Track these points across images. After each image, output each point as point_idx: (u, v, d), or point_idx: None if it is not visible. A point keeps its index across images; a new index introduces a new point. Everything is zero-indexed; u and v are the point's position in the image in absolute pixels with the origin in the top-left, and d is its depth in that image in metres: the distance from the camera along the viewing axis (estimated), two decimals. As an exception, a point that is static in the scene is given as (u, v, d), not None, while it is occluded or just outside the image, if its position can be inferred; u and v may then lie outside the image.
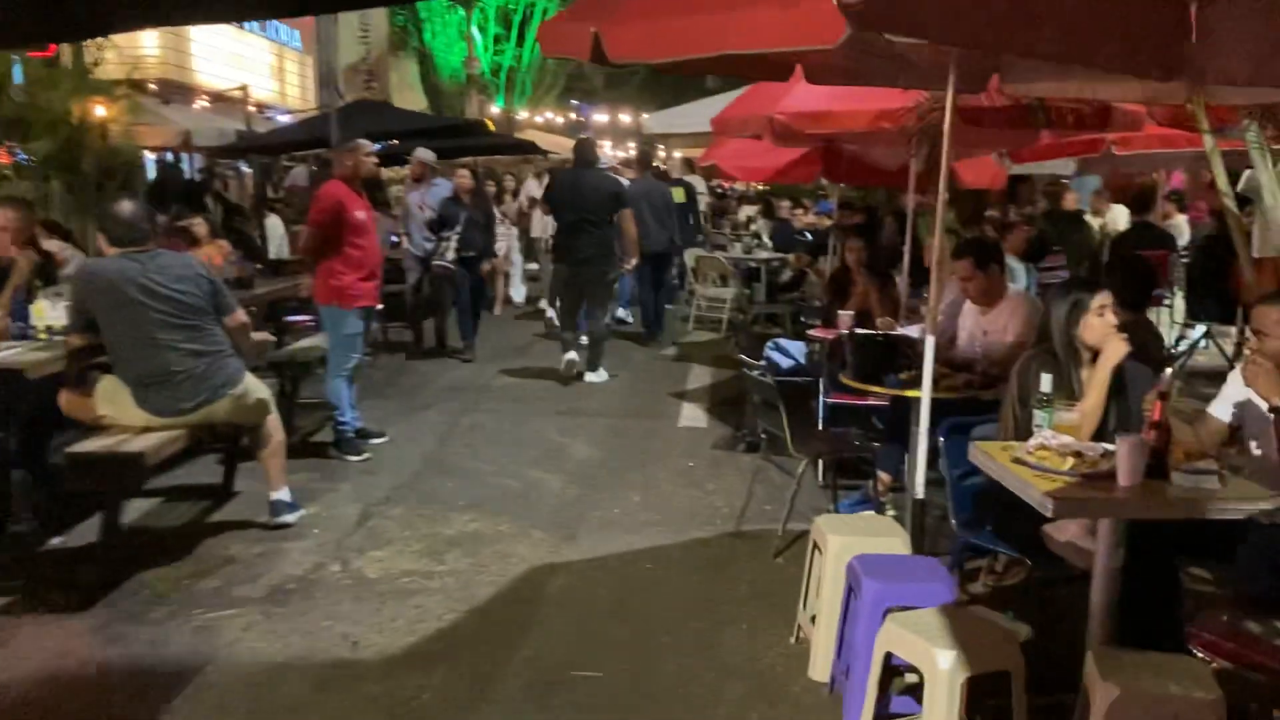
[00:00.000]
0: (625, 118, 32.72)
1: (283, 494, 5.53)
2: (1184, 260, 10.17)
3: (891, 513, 5.68)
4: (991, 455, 3.59)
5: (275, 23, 21.13)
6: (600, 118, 34.88)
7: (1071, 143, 9.29)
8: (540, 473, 6.58)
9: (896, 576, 3.50)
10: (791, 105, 7.17)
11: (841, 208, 10.23)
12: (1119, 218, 12.69)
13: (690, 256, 12.97)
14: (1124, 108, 7.14)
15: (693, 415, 8.16)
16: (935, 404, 5.02)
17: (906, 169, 9.29)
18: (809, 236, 13.02)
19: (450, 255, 9.86)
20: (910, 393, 5.00)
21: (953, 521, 4.18)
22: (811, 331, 7.07)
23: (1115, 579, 3.38)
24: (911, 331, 6.82)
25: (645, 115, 19.26)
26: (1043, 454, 3.44)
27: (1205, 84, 4.89)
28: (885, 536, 3.89)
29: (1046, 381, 3.70)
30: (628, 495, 6.11)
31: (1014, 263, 8.04)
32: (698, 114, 16.99)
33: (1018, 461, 3.47)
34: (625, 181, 10.59)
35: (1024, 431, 3.89)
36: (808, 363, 7.09)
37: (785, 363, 7.12)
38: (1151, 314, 10.24)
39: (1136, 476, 3.24)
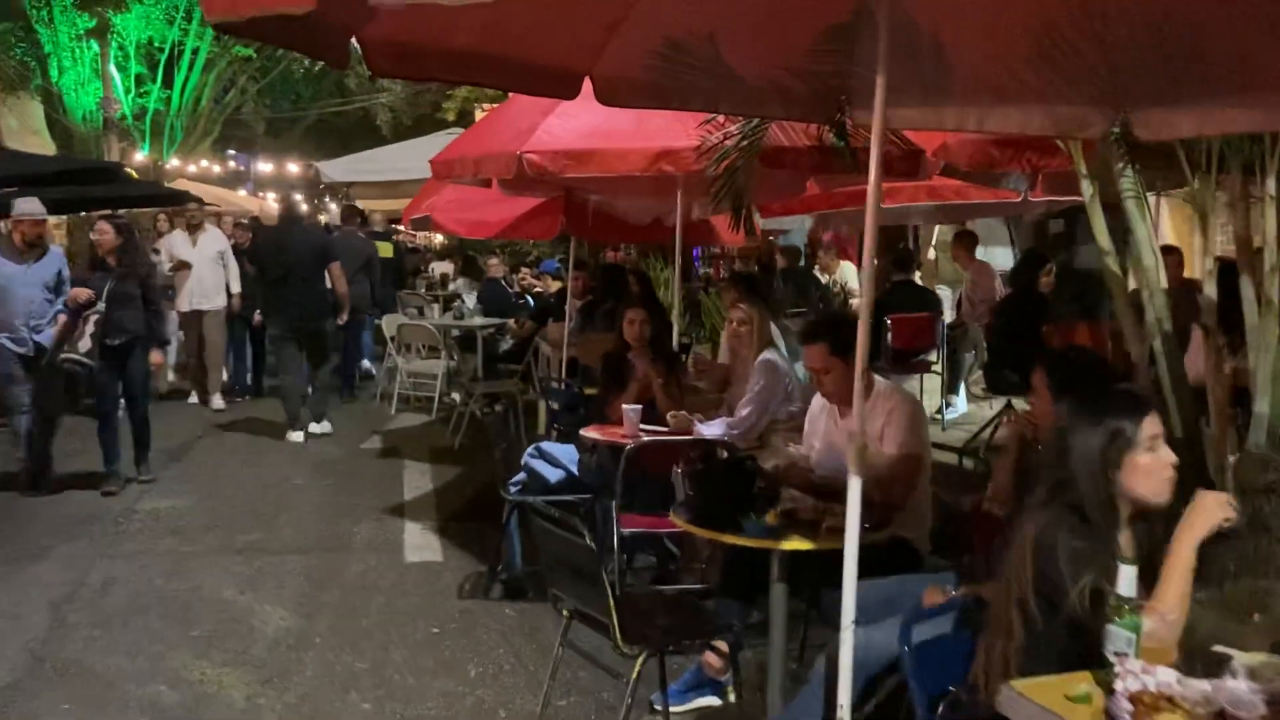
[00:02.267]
0: (293, 167, 29.90)
1: None
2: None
3: (732, 697, 4.12)
4: (1059, 715, 2.08)
5: None
6: (264, 167, 31.79)
7: (835, 194, 8.31)
8: (214, 668, 4.45)
9: None
10: (546, 142, 5.56)
11: (578, 268, 8.70)
12: (848, 274, 12.07)
13: (390, 324, 10.98)
14: (929, 155, 6.09)
15: (422, 541, 6.25)
16: (809, 557, 3.55)
17: (659, 223, 7.95)
18: (529, 300, 11.39)
19: (83, 349, 6.96)
20: (792, 544, 3.47)
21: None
22: (586, 432, 5.41)
23: None
24: (710, 430, 5.36)
25: (319, 164, 17.01)
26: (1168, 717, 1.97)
27: (1135, 112, 3.78)
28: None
29: (1127, 578, 2.22)
30: (353, 702, 4.14)
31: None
32: (383, 161, 15.12)
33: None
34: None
35: (1049, 647, 2.42)
36: (584, 473, 5.43)
37: (553, 475, 5.40)
38: (914, 381, 9.57)
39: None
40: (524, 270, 13.38)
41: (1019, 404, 7.49)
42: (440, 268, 18.58)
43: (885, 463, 3.88)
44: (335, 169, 14.96)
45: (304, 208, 13.85)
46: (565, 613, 3.70)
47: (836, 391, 4.02)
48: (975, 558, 3.75)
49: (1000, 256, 13.41)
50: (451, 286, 15.71)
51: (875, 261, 3.32)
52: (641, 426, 5.27)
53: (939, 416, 8.81)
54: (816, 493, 3.83)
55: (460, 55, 3.38)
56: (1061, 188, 7.68)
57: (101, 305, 7.03)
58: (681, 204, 6.64)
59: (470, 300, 12.60)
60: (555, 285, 11.48)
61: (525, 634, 4.81)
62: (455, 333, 10.98)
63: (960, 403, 8.92)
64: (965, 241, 9.44)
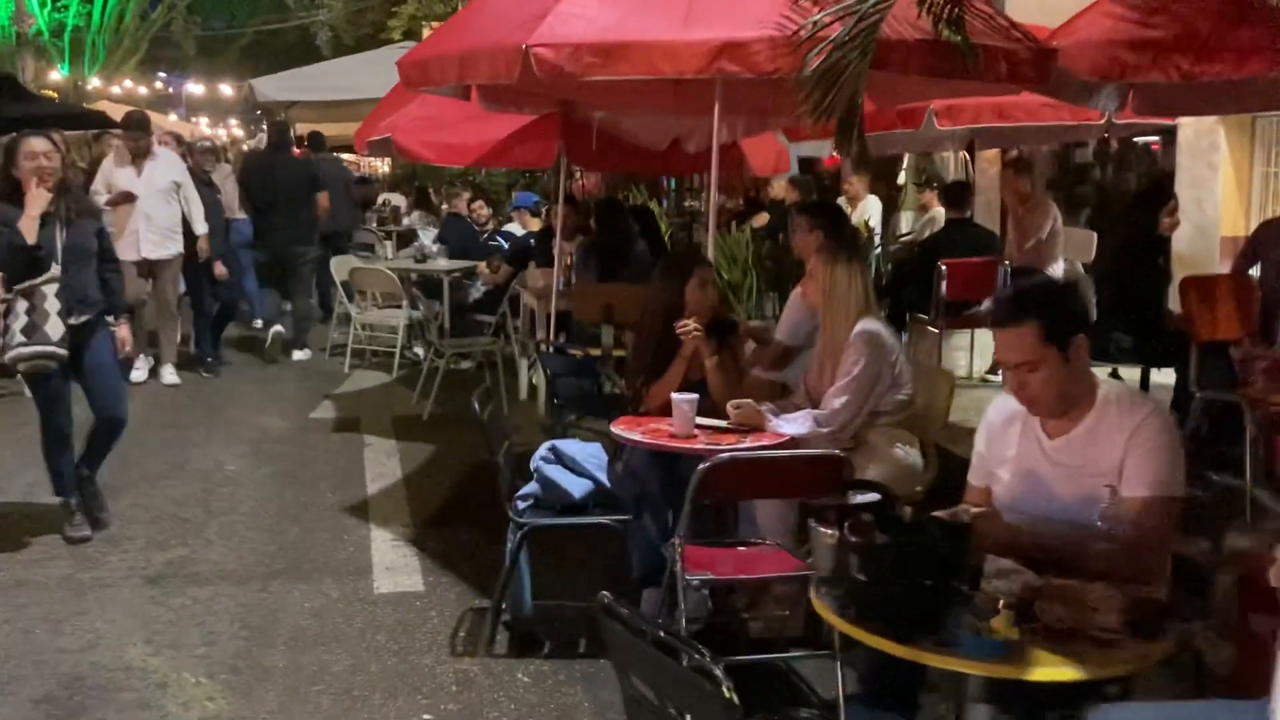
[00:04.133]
0: (226, 89, 27.76)
1: None
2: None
3: None
4: None
5: None
6: (195, 89, 29.58)
7: (884, 113, 6.89)
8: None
9: None
10: (560, 34, 4.08)
11: (568, 203, 7.22)
12: (871, 209, 10.66)
13: (340, 266, 9.43)
14: (1056, 60, 4.67)
15: (395, 560, 4.83)
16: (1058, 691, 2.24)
17: (678, 149, 6.49)
18: (500, 241, 9.86)
19: (56, 335, 4.68)
20: (1050, 673, 2.13)
21: None
22: (618, 430, 4.01)
23: None
24: (791, 426, 4.00)
25: (253, 81, 15.09)
26: None
27: None
28: None
29: None
30: None
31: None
32: (327, 77, 13.37)
33: None
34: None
35: None
36: (617, 484, 4.05)
37: (577, 487, 4.00)
38: (963, 336, 8.28)
39: None
40: (478, 204, 11.64)
41: (1127, 374, 6.22)
42: (391, 200, 16.87)
43: (1133, 514, 2.53)
44: (272, 86, 13.21)
45: (292, 135, 12.27)
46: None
47: (1047, 397, 2.65)
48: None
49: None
50: (406, 222, 14.10)
51: None
52: (701, 421, 3.91)
53: (991, 378, 7.54)
54: (1029, 560, 2.49)
55: None
56: (1158, 107, 6.37)
57: (56, 269, 4.73)
58: (719, 122, 5.16)
59: (428, 238, 11.05)
60: (534, 223, 9.98)
61: (558, 716, 3.46)
62: (413, 277, 9.46)
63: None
64: (1024, 170, 8.02)
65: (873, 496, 2.49)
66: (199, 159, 9.10)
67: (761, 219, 10.47)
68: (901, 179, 12.86)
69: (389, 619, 4.20)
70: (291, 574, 4.64)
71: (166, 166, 8.04)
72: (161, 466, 6.12)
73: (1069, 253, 8.24)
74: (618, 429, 4.02)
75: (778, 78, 4.03)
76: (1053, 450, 2.71)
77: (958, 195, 7.53)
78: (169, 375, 8.21)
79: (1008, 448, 2.80)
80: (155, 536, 5.04)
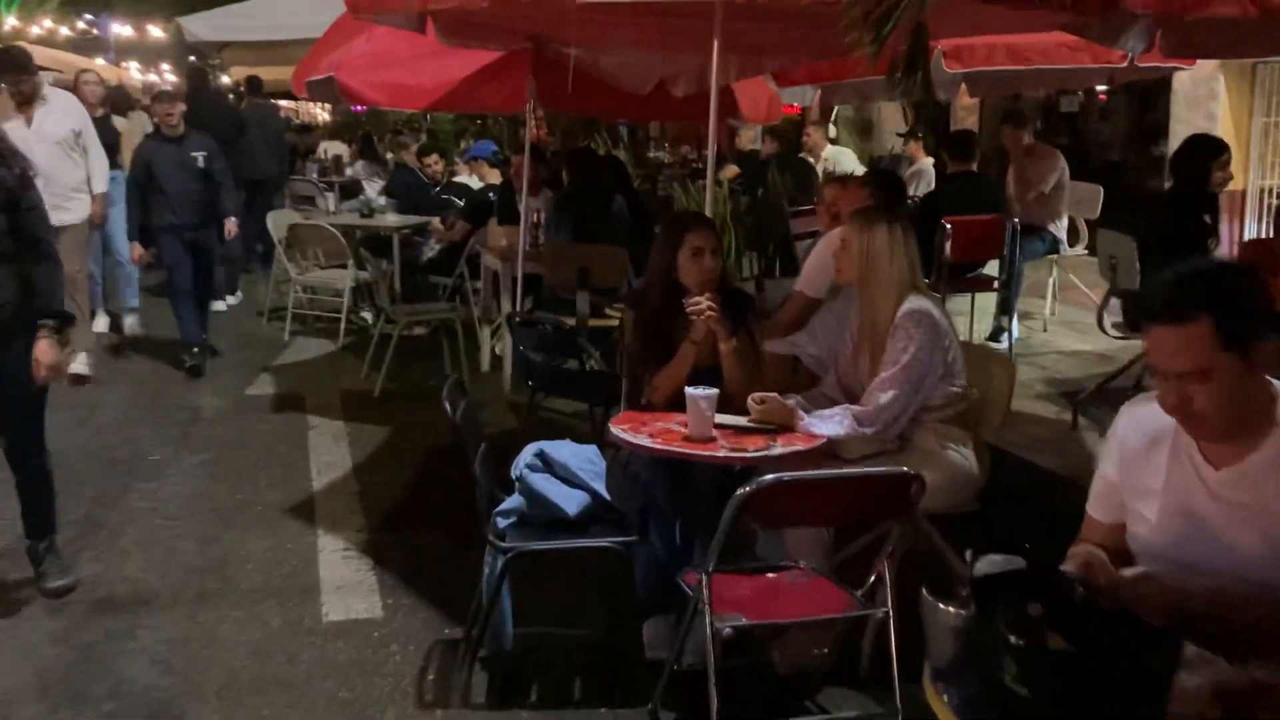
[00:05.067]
0: (157, 31, 26.26)
1: None
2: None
3: None
4: None
5: None
6: (123, 30, 27.98)
7: (884, 57, 6.18)
8: None
9: None
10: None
11: (531, 153, 6.41)
12: (841, 158, 10.00)
13: (278, 223, 8.58)
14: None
15: (347, 575, 4.11)
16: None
17: (664, 91, 5.74)
18: (453, 197, 9.02)
19: None
20: None
21: None
22: (620, 431, 3.32)
23: None
24: (827, 426, 3.34)
25: (182, 19, 13.94)
26: None
27: None
28: None
29: None
30: None
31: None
32: (265, 16, 12.31)
33: None
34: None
35: None
36: (618, 496, 3.37)
37: (570, 501, 3.33)
38: (963, 300, 7.67)
39: None
40: (433, 159, 10.52)
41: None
42: (332, 148, 15.88)
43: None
44: (203, 26, 12.13)
45: (213, 80, 11.69)
46: None
47: (1215, 417, 2.00)
48: None
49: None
50: (349, 172, 13.20)
51: None
52: (718, 419, 3.24)
53: (994, 345, 6.94)
54: (1205, 635, 1.86)
55: None
56: (1188, 47, 5.75)
57: None
58: (718, 60, 4.43)
59: (373, 190, 10.21)
60: (492, 175, 9.17)
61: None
62: (359, 233, 8.64)
63: (1015, 327, 7.04)
64: (1021, 121, 7.44)
65: (1009, 560, 1.83)
66: (163, 109, 7.13)
67: (730, 171, 9.79)
68: (832, 132, 12.16)
69: (341, 656, 3.50)
70: (224, 596, 3.92)
71: (64, 112, 6.58)
72: (72, 455, 5.29)
73: (1073, 209, 7.68)
74: (619, 429, 3.33)
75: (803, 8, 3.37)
76: (1218, 484, 2.07)
77: (963, 145, 6.86)
78: (78, 364, 6.59)
79: (1153, 476, 2.16)
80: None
